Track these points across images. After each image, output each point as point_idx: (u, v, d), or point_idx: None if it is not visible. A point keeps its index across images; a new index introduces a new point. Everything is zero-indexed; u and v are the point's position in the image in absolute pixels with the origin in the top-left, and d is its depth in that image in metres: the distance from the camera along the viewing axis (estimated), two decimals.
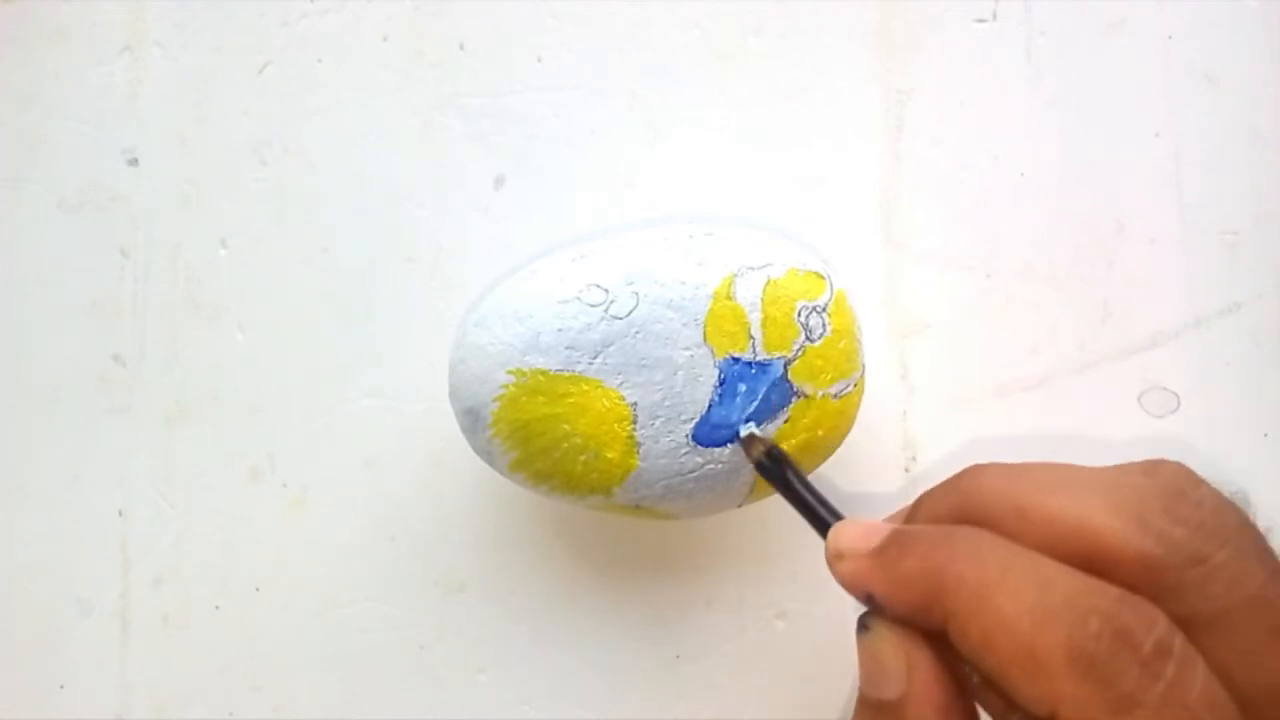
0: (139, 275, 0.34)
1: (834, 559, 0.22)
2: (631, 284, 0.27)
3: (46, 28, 0.34)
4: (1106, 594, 0.18)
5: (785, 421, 0.27)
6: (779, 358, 0.27)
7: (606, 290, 0.26)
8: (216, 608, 0.33)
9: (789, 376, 0.27)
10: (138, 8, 0.34)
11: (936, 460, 0.33)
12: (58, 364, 0.34)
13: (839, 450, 0.29)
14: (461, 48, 0.34)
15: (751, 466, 0.27)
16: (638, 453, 0.27)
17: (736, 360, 0.27)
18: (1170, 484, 0.20)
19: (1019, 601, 0.18)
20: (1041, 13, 0.34)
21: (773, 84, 0.34)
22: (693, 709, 0.33)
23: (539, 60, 0.34)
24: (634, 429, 0.26)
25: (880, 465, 0.33)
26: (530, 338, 0.26)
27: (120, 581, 0.33)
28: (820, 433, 0.27)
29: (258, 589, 0.33)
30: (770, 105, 0.34)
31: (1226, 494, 0.20)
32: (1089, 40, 0.34)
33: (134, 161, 0.34)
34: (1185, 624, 0.18)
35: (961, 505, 0.21)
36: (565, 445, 0.27)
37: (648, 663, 0.33)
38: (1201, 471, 0.20)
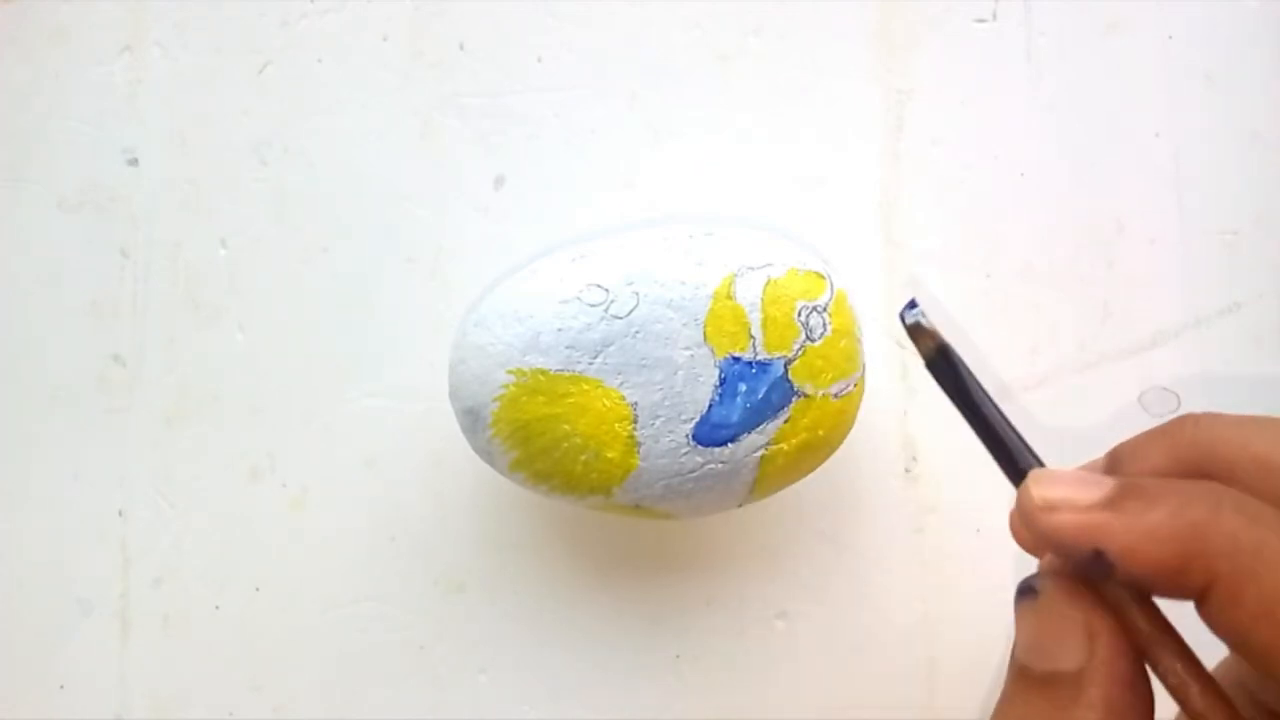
0: (139, 275, 0.34)
1: (1042, 511, 0.18)
2: (631, 284, 0.27)
3: (46, 28, 0.34)
4: None
5: (785, 421, 0.27)
6: (779, 357, 0.27)
7: (607, 290, 0.26)
8: (216, 608, 0.33)
9: (789, 376, 0.27)
10: (138, 8, 0.34)
11: (936, 460, 0.33)
12: (58, 364, 0.34)
13: (839, 450, 0.29)
14: (461, 48, 0.34)
15: (753, 466, 0.27)
16: (638, 453, 0.27)
17: (737, 360, 0.27)
18: None
19: None
20: (1041, 13, 0.34)
21: (773, 84, 0.34)
22: (693, 709, 0.33)
23: (539, 60, 0.34)
24: (634, 429, 0.26)
25: (880, 465, 0.33)
26: (530, 338, 0.26)
27: (120, 581, 0.33)
28: (820, 433, 0.27)
29: (258, 589, 0.33)
30: (770, 105, 0.34)
31: None
32: (1089, 40, 0.34)
33: (134, 161, 0.34)
34: None
35: (1185, 456, 0.19)
36: (565, 445, 0.27)
37: (648, 663, 0.33)
38: None
